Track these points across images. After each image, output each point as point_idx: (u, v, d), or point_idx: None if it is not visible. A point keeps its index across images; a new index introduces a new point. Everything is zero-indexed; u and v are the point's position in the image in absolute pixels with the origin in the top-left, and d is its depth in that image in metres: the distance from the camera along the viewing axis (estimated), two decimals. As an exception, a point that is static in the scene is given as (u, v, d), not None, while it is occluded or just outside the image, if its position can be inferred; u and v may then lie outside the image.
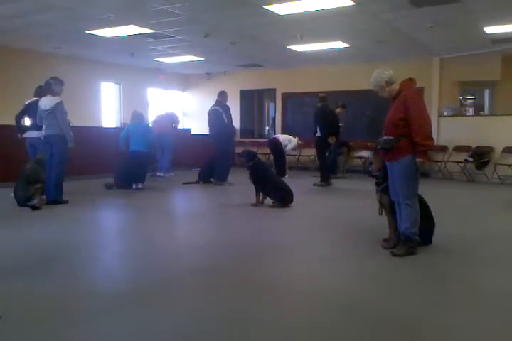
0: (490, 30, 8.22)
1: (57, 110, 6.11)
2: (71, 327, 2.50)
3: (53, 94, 6.22)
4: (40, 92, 6.54)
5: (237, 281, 3.30)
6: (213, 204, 6.96)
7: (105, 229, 5.36)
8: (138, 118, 8.44)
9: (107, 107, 12.69)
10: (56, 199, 6.27)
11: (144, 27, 8.29)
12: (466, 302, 2.95)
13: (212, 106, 8.74)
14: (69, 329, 2.48)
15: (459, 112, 11.11)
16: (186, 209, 6.85)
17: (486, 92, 12.03)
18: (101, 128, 11.31)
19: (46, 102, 6.17)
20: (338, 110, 9.83)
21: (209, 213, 6.22)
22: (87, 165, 9.03)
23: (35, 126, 6.48)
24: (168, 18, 7.64)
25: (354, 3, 6.69)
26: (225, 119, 8.53)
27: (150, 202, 7.08)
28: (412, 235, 3.91)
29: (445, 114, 10.74)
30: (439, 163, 10.35)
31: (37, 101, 6.40)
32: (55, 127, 6.14)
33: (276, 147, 10.11)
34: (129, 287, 3.16)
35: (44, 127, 6.22)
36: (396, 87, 3.94)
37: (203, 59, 11.64)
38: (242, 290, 3.12)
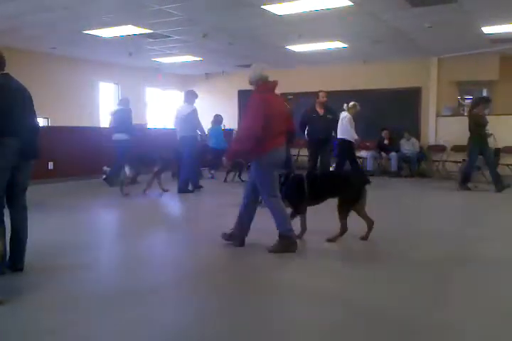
0: (488, 30, 8.24)
1: (192, 116, 7.36)
2: (70, 327, 2.50)
3: (190, 102, 7.52)
4: (126, 103, 8.33)
5: (237, 281, 3.31)
6: (212, 203, 6.95)
7: (104, 228, 5.36)
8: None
9: (105, 107, 12.66)
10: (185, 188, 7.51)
11: (142, 27, 8.28)
12: (466, 301, 2.96)
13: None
14: (68, 329, 2.47)
15: (457, 112, 11.13)
16: (185, 208, 6.84)
17: (484, 92, 12.04)
18: (99, 129, 11.27)
19: (183, 109, 7.46)
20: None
21: (208, 212, 6.21)
22: (85, 164, 9.04)
23: (119, 130, 8.10)
24: (167, 18, 7.63)
25: (352, 4, 6.70)
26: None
27: (151, 202, 7.06)
28: (287, 232, 3.96)
29: (443, 113, 10.75)
30: (437, 163, 10.36)
31: (120, 110, 8.24)
32: (189, 130, 7.37)
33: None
34: (128, 287, 3.16)
35: (178, 130, 7.48)
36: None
37: (201, 59, 11.63)
38: (242, 291, 3.12)
